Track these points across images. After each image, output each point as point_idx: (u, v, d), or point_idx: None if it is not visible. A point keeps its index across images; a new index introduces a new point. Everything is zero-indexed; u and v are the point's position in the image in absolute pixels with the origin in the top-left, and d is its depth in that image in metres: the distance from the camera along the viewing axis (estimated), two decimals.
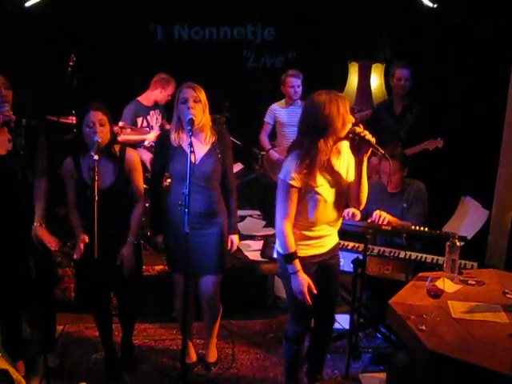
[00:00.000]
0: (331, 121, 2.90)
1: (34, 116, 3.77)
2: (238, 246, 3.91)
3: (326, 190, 3.09)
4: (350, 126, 2.96)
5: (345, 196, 3.23)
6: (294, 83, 5.57)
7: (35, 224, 3.43)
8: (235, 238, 3.83)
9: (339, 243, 3.46)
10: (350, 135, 2.98)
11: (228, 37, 6.94)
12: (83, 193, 3.46)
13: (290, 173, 3.02)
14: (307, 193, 3.07)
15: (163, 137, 3.65)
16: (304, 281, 3.10)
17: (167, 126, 5.55)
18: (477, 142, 4.97)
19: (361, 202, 3.21)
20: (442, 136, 4.81)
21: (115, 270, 3.58)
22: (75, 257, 3.47)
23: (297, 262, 3.11)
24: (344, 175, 3.17)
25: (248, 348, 4.29)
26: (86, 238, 3.46)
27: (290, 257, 3.11)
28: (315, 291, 3.13)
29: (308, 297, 3.11)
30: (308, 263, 3.20)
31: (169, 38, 6.83)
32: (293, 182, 3.02)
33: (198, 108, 3.43)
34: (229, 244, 3.79)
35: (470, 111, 5.06)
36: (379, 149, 2.97)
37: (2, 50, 5.46)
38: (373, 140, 2.96)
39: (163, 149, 3.59)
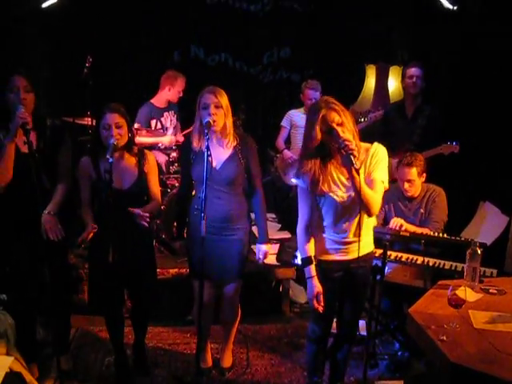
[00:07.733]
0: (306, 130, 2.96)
1: (54, 116, 3.75)
2: (252, 249, 3.84)
3: (338, 195, 3.02)
4: (347, 135, 2.83)
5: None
6: (312, 96, 5.59)
7: (45, 211, 3.36)
8: (264, 247, 3.68)
9: (372, 252, 3.30)
10: (336, 145, 2.86)
11: (244, 70, 7.14)
12: (100, 194, 3.43)
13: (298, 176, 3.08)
14: (320, 196, 3.05)
15: (187, 142, 3.61)
16: (314, 288, 3.10)
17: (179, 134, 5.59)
18: (496, 147, 4.90)
19: (369, 210, 2.96)
20: (458, 141, 4.72)
21: (130, 271, 3.56)
22: (79, 241, 3.33)
23: (312, 268, 3.11)
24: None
25: (262, 353, 4.24)
26: (95, 227, 3.33)
27: (305, 261, 3.14)
28: (322, 305, 3.10)
29: (316, 304, 3.10)
30: (329, 268, 3.15)
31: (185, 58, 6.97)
32: (301, 184, 3.07)
33: (220, 113, 3.38)
34: (258, 254, 3.69)
35: (489, 115, 4.98)
36: (352, 161, 2.77)
37: (19, 51, 5.46)
38: (350, 147, 2.77)
39: (187, 154, 3.56)
